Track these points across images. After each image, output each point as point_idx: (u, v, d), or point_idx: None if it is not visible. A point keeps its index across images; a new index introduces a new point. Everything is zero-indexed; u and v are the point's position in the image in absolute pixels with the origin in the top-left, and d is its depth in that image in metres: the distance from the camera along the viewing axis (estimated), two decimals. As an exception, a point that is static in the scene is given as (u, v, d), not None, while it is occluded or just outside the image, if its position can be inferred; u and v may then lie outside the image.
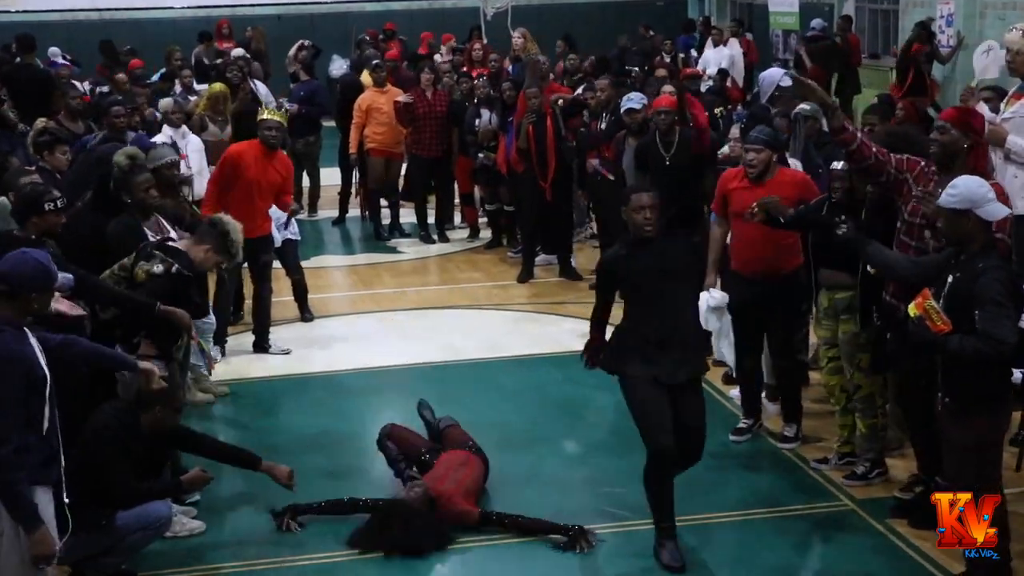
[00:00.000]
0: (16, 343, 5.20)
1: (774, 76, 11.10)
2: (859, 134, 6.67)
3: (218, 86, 12.69)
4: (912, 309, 5.63)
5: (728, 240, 8.12)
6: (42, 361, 5.31)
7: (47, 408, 5.33)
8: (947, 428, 5.82)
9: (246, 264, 9.92)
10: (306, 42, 16.69)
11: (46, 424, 5.35)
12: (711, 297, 7.90)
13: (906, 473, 7.38)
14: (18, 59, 16.96)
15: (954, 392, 5.71)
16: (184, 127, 11.54)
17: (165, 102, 11.97)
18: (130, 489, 6.29)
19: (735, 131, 9.25)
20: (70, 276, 6.44)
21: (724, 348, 8.15)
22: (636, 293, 6.41)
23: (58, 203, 7.01)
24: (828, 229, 6.63)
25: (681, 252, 6.61)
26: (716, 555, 6.61)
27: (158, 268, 6.91)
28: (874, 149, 6.60)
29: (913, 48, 15.88)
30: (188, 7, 23.07)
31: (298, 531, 7.05)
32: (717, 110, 12.67)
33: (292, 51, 16.20)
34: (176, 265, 6.96)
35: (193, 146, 11.24)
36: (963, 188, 5.65)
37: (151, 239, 7.49)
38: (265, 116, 10.20)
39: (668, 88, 11.55)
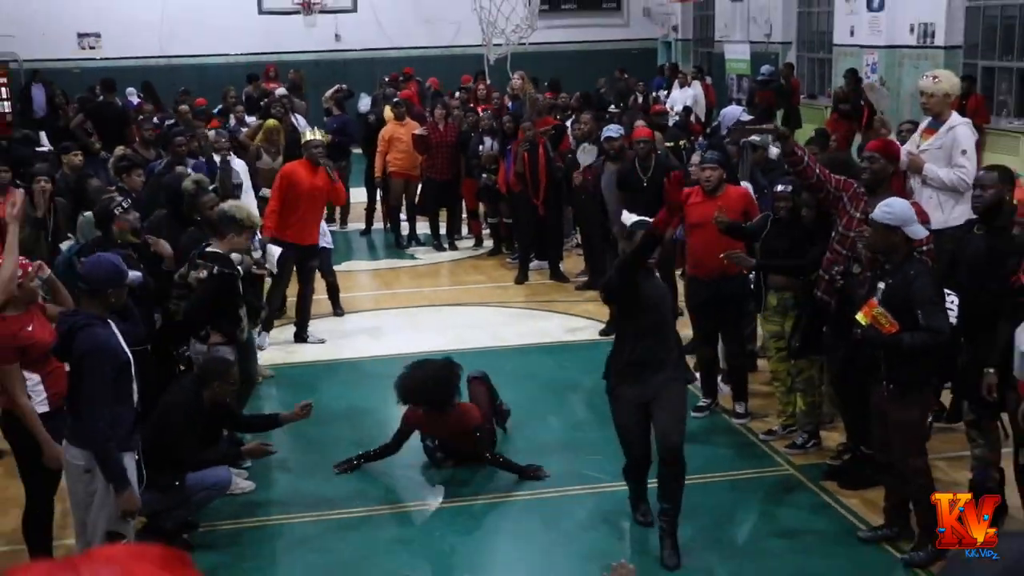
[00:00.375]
0: (104, 335, 5.24)
1: (734, 112, 11.15)
2: (806, 157, 6.71)
3: (272, 122, 12.62)
4: (861, 318, 5.64)
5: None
6: (124, 346, 5.36)
7: (134, 384, 5.41)
8: (890, 410, 5.81)
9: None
10: (343, 85, 16.75)
11: (135, 397, 5.45)
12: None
13: (836, 443, 7.39)
14: (101, 98, 17.02)
15: (897, 379, 5.74)
16: (231, 153, 11.55)
17: (211, 134, 11.96)
18: (197, 458, 6.34)
19: (696, 158, 9.27)
20: (139, 274, 6.44)
21: None
22: (630, 313, 6.05)
23: (123, 204, 7.09)
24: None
25: (663, 285, 6.43)
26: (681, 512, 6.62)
27: (202, 274, 6.89)
28: (817, 170, 6.66)
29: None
30: (241, 53, 23.03)
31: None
32: (681, 142, 12.70)
33: (329, 92, 16.21)
34: (216, 267, 6.93)
35: (240, 169, 11.15)
36: (897, 209, 5.73)
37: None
38: (310, 137, 10.15)
39: (640, 122, 11.60)
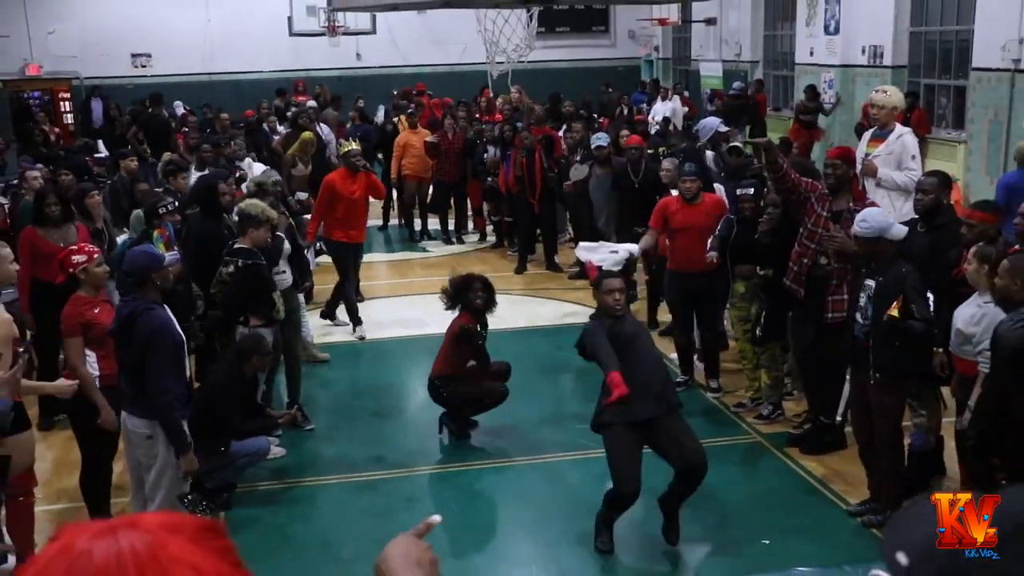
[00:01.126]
0: (164, 316, 5.26)
1: (712, 123, 11.11)
2: (785, 165, 6.65)
3: (308, 135, 12.44)
4: (894, 311, 5.49)
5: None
6: (178, 328, 5.37)
7: (186, 361, 5.45)
8: (878, 398, 5.69)
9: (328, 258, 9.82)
10: (361, 102, 16.77)
11: (188, 374, 5.46)
12: (625, 250, 7.82)
13: (797, 414, 7.39)
14: (150, 110, 17.01)
15: (885, 370, 5.62)
16: (248, 159, 11.47)
17: (234, 143, 11.92)
18: (240, 429, 6.33)
19: (667, 164, 9.13)
20: (176, 255, 6.39)
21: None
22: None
23: (168, 206, 7.06)
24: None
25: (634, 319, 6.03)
26: (660, 474, 6.59)
27: (231, 268, 6.83)
28: (793, 175, 6.60)
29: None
30: (273, 70, 22.97)
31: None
32: (661, 149, 12.64)
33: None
34: (240, 260, 6.85)
35: (256, 171, 10.79)
36: (872, 221, 5.60)
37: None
38: (349, 148, 9.81)
39: (624, 132, 11.55)
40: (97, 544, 1.04)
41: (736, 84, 18.73)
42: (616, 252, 7.66)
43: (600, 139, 10.63)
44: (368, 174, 9.79)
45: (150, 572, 1.02)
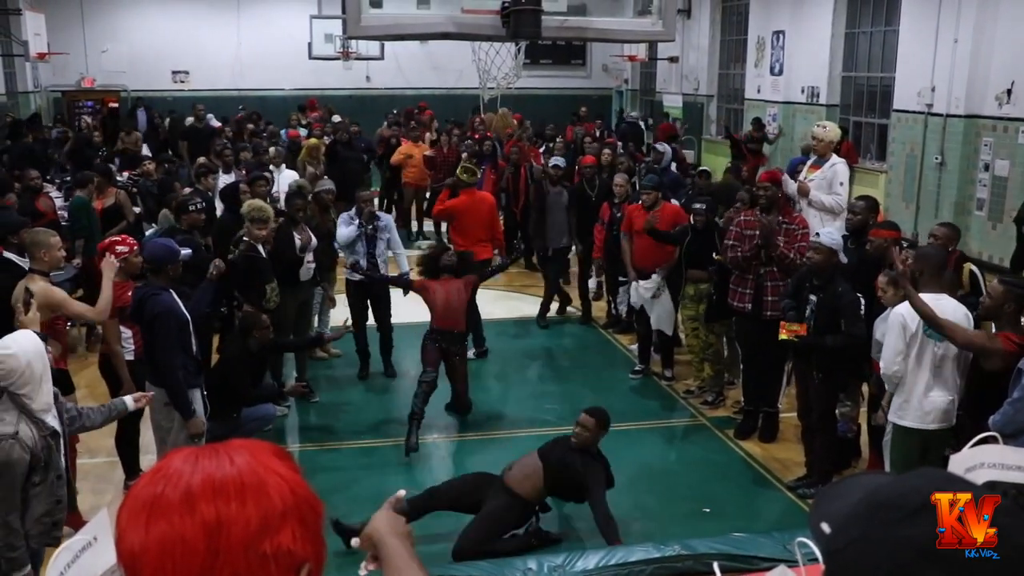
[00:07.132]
0: (168, 300, 5.22)
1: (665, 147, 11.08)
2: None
3: (313, 141, 12.38)
4: (782, 335, 5.60)
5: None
6: (183, 309, 5.30)
7: (192, 339, 5.35)
8: (818, 393, 5.77)
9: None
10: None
11: (195, 349, 5.39)
12: (643, 287, 7.71)
13: (735, 401, 7.34)
14: (188, 119, 16.91)
15: (826, 372, 5.69)
16: (283, 164, 11.34)
17: (272, 150, 11.77)
18: (251, 396, 6.25)
19: (618, 179, 8.87)
20: (189, 250, 6.29)
21: (664, 321, 7.79)
22: None
23: (198, 205, 6.92)
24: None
25: None
26: (621, 449, 6.55)
27: (231, 257, 6.71)
28: (745, 245, 6.50)
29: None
30: (294, 89, 22.82)
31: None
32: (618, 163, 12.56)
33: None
34: (238, 251, 6.73)
35: (285, 177, 10.59)
36: (837, 237, 5.77)
37: (296, 241, 7.25)
38: (465, 165, 9.02)
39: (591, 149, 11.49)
40: (203, 457, 1.09)
41: (633, 114, 19.50)
42: (648, 284, 7.69)
43: (556, 161, 10.38)
44: (481, 194, 8.75)
45: (249, 478, 1.07)
